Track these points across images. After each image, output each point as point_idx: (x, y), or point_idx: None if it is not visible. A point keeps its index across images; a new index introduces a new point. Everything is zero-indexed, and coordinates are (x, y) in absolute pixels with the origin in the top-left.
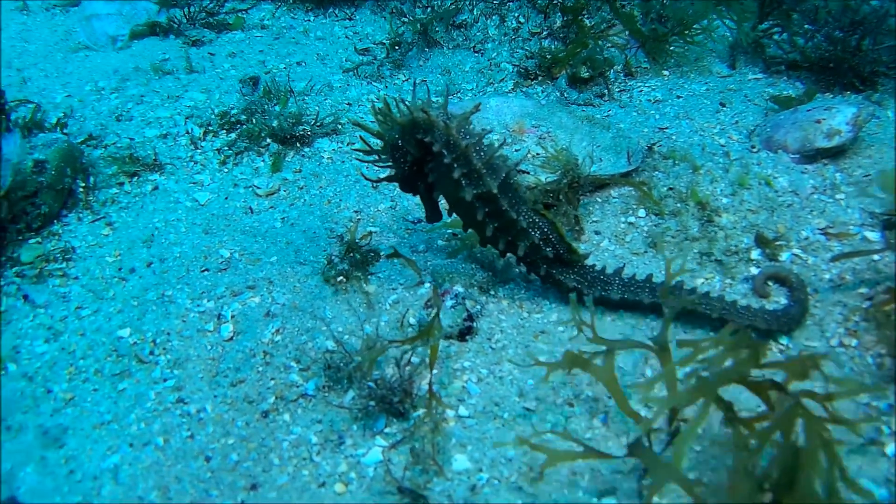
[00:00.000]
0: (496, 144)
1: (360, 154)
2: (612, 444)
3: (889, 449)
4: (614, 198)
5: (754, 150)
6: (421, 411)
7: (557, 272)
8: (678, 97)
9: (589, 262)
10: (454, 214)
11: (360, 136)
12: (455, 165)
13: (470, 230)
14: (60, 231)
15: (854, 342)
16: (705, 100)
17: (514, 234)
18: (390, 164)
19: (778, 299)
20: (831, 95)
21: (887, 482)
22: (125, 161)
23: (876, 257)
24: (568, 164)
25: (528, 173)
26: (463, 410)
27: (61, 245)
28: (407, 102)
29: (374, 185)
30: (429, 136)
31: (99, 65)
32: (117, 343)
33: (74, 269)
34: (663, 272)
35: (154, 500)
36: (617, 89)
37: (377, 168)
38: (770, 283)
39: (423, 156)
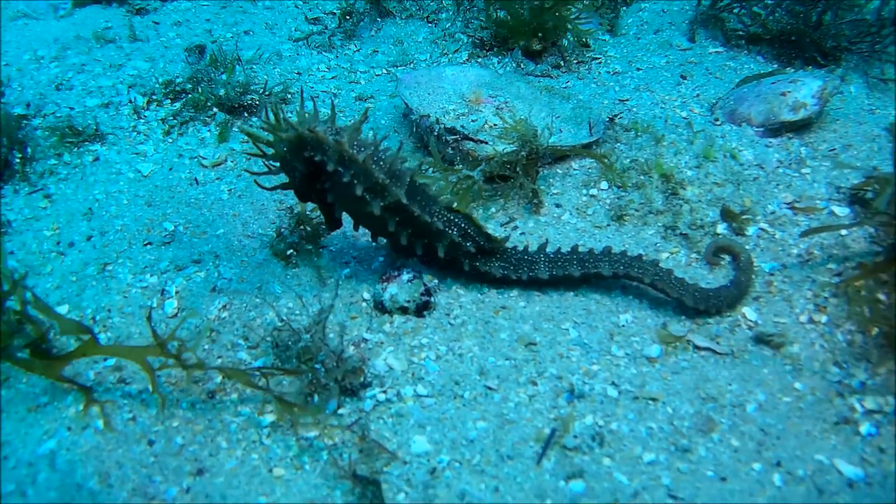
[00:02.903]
0: (390, 153)
1: (254, 160)
2: (577, 424)
3: (863, 428)
4: (575, 170)
5: (718, 122)
6: (376, 390)
7: (481, 264)
8: (638, 69)
9: (550, 235)
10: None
11: (253, 141)
12: (356, 182)
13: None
14: None
15: (824, 318)
16: (665, 72)
17: (431, 235)
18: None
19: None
20: (793, 70)
21: (862, 462)
22: (65, 132)
23: (844, 232)
24: (526, 134)
25: (486, 143)
26: (421, 389)
27: None
28: (289, 119)
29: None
30: (319, 154)
31: (39, 33)
32: (56, 322)
33: (10, 244)
34: (625, 245)
35: (93, 487)
36: (575, 61)
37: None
38: (719, 255)
39: (313, 171)
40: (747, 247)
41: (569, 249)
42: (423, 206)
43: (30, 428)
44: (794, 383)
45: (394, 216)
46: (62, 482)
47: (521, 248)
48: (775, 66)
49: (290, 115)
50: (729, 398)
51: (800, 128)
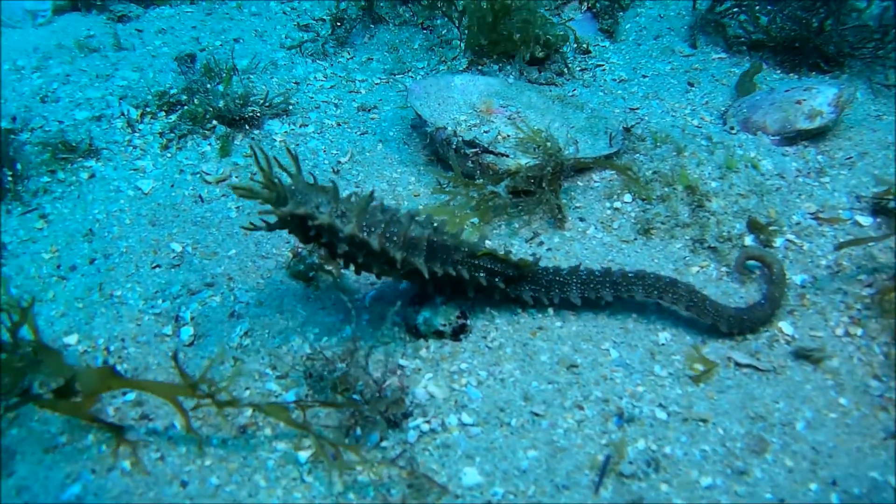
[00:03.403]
0: (400, 215)
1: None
2: (630, 449)
3: None
4: (596, 182)
5: (733, 131)
6: (419, 420)
7: (511, 290)
8: (644, 76)
9: (576, 251)
10: None
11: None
12: (371, 259)
13: None
14: None
15: (860, 331)
16: (672, 79)
17: (459, 283)
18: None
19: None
20: (797, 76)
21: None
22: (57, 148)
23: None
24: (551, 148)
25: (507, 156)
26: (466, 417)
27: None
28: (285, 186)
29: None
30: (327, 236)
31: (17, 42)
32: (64, 352)
33: (6, 268)
34: (654, 260)
35: None
36: (578, 68)
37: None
38: (751, 264)
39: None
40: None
41: (601, 270)
42: (444, 261)
43: (49, 471)
44: (838, 399)
45: (416, 276)
46: None
47: (552, 268)
48: (778, 72)
49: (286, 128)
50: (777, 416)
51: (815, 136)
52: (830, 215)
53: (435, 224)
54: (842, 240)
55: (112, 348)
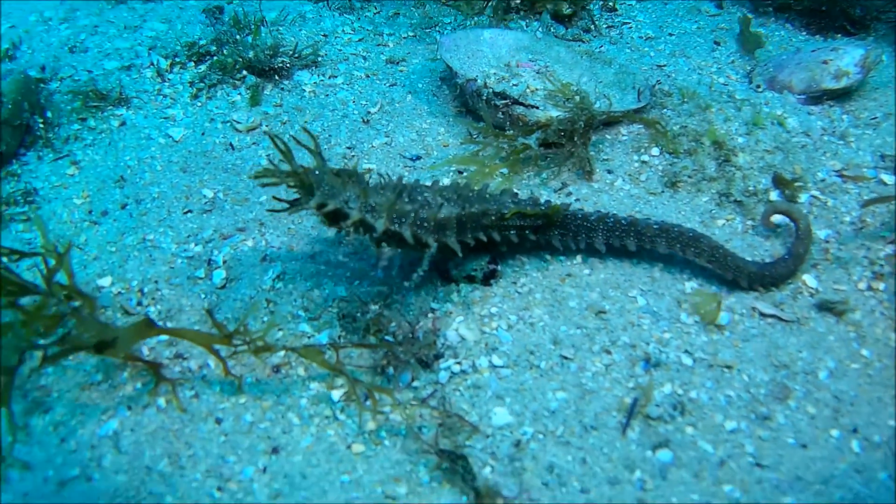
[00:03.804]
0: (427, 195)
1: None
2: (656, 393)
3: None
4: (624, 136)
5: (759, 89)
6: (450, 361)
7: (540, 237)
8: (670, 35)
9: (604, 202)
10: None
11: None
12: (405, 244)
13: None
14: (19, 171)
15: (882, 286)
16: (698, 38)
17: (492, 245)
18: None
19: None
20: (822, 39)
21: None
22: (88, 96)
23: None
24: (583, 102)
25: (537, 108)
26: (496, 360)
27: (21, 186)
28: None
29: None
30: (361, 228)
31: None
32: (98, 294)
33: (39, 213)
34: (681, 213)
35: (164, 470)
36: (604, 25)
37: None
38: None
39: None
40: None
41: (627, 220)
42: (474, 228)
43: (85, 407)
44: (860, 350)
45: (450, 249)
46: (130, 465)
47: (580, 214)
48: (804, 34)
49: (312, 79)
50: (801, 365)
51: (840, 95)
52: (855, 173)
53: (460, 189)
54: (866, 197)
55: (146, 290)
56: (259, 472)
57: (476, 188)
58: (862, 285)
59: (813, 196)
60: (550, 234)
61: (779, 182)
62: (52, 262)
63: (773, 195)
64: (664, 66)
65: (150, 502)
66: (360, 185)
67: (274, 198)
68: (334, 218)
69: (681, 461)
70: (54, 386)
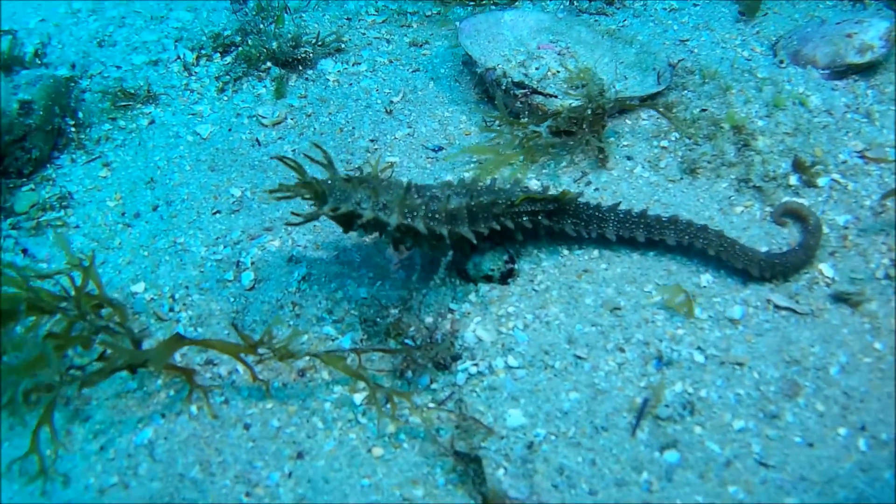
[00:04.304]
0: (435, 189)
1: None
2: (667, 392)
3: None
4: (644, 120)
5: (783, 65)
6: (467, 363)
7: (554, 224)
8: (695, 5)
9: (623, 190)
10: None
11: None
12: (419, 239)
13: None
14: (54, 175)
15: None
16: (723, 8)
17: (506, 234)
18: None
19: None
20: (851, 4)
21: None
22: (116, 95)
23: None
24: (592, 91)
25: (555, 97)
26: (512, 360)
27: (56, 191)
28: (325, 184)
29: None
30: (373, 229)
31: None
32: (132, 300)
33: (73, 217)
34: (700, 200)
35: (196, 476)
36: None
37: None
38: (788, 217)
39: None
40: (820, 199)
41: (638, 212)
42: (486, 218)
43: (122, 416)
44: (873, 343)
45: (464, 241)
46: (164, 473)
47: (592, 204)
48: (833, 1)
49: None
50: (812, 361)
51: (865, 70)
52: (877, 154)
53: (468, 184)
54: (887, 179)
55: (177, 296)
56: (284, 476)
57: (484, 182)
58: (879, 273)
59: (833, 180)
60: (564, 222)
61: (798, 166)
62: (79, 277)
63: (793, 180)
64: (687, 40)
65: None
66: (370, 186)
67: (292, 213)
68: (349, 221)
69: (687, 462)
70: (93, 394)
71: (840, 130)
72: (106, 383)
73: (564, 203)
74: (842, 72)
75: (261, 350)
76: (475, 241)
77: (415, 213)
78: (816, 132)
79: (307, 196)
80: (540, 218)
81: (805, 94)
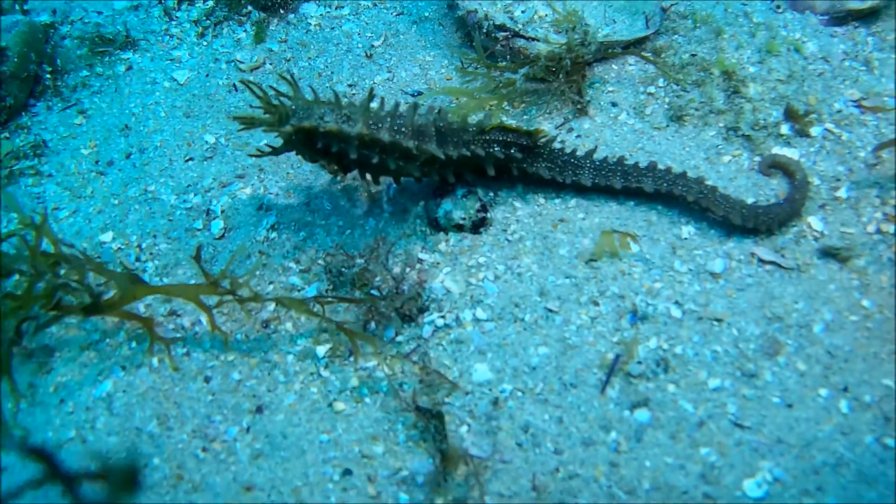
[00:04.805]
0: (402, 109)
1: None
2: (640, 348)
3: None
4: (631, 65)
5: (780, 10)
6: (434, 315)
7: (528, 166)
8: None
9: (607, 137)
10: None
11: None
12: (385, 156)
13: None
14: (29, 123)
15: (892, 228)
16: None
17: (476, 161)
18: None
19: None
20: None
21: None
22: (94, 41)
23: None
24: (573, 39)
25: (537, 40)
26: (481, 313)
27: (31, 139)
28: (287, 105)
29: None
30: (336, 145)
31: None
32: (100, 249)
33: (47, 166)
34: (685, 149)
35: (153, 431)
36: None
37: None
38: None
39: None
40: (812, 149)
41: (615, 159)
42: (457, 143)
43: (84, 368)
44: (861, 300)
45: (434, 165)
46: (121, 427)
47: (569, 150)
48: None
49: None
50: (795, 318)
51: (867, 16)
52: (875, 103)
53: (438, 111)
54: (884, 130)
55: (144, 245)
56: (243, 431)
57: (456, 117)
58: (871, 228)
59: (827, 129)
60: (538, 164)
61: (790, 115)
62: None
63: (785, 129)
64: None
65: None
66: (336, 102)
67: (257, 150)
68: (313, 141)
69: (658, 422)
70: (57, 345)
71: (836, 78)
72: (70, 335)
73: (537, 140)
74: (841, 18)
75: (224, 297)
76: (442, 157)
77: (379, 125)
78: (811, 80)
79: (270, 122)
80: (513, 151)
81: (801, 39)
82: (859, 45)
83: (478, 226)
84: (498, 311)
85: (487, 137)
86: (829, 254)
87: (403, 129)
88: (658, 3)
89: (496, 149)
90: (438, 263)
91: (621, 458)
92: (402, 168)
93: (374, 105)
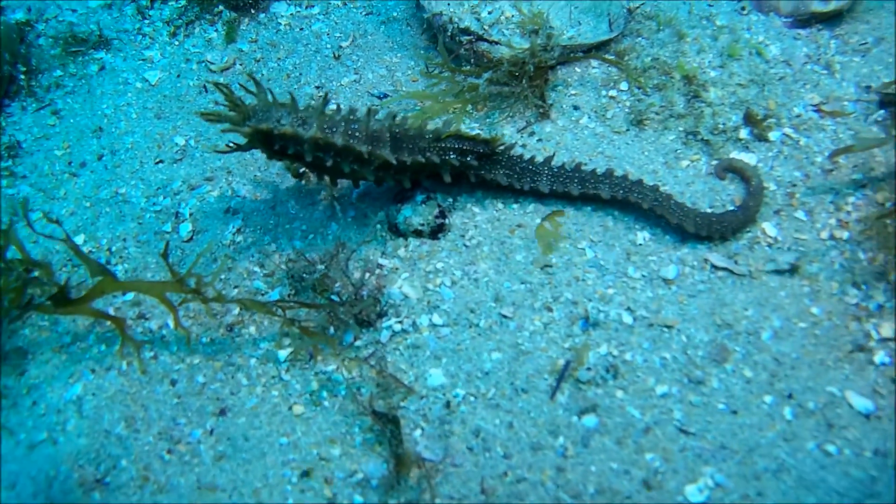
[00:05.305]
0: (359, 114)
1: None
2: (591, 354)
3: (878, 357)
4: (594, 68)
5: (744, 11)
6: (392, 320)
7: (486, 172)
8: None
9: (567, 141)
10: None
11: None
12: (339, 160)
13: None
14: (4, 124)
15: (846, 234)
16: None
17: (432, 168)
18: None
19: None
20: None
21: (874, 394)
22: (68, 41)
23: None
24: (535, 44)
25: (499, 43)
26: (437, 318)
27: (6, 140)
28: (247, 105)
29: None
30: (292, 146)
31: None
32: (72, 253)
33: (21, 167)
34: (644, 153)
35: (121, 433)
36: None
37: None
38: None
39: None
40: (770, 153)
41: (572, 165)
42: (412, 150)
43: (55, 370)
44: (810, 307)
45: (388, 171)
46: (91, 429)
47: (527, 157)
48: None
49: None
50: (745, 325)
51: (831, 18)
52: (834, 108)
53: (396, 118)
54: (842, 135)
55: (114, 248)
56: (206, 433)
57: (416, 123)
58: (825, 234)
59: (785, 134)
60: (496, 171)
61: (750, 119)
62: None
63: (744, 133)
64: None
65: (106, 465)
66: (292, 105)
67: (226, 145)
68: (271, 141)
69: (606, 427)
70: (30, 347)
71: (797, 82)
72: (43, 337)
73: (495, 148)
74: (805, 20)
75: (188, 296)
76: (395, 163)
77: (334, 129)
78: (772, 84)
79: (234, 119)
80: (469, 159)
81: (764, 42)
82: (822, 48)
83: (436, 231)
84: (454, 317)
85: (443, 145)
86: (781, 272)
87: (357, 134)
88: (624, 3)
89: (452, 156)
90: (397, 269)
91: (568, 463)
92: (357, 172)
93: (332, 108)
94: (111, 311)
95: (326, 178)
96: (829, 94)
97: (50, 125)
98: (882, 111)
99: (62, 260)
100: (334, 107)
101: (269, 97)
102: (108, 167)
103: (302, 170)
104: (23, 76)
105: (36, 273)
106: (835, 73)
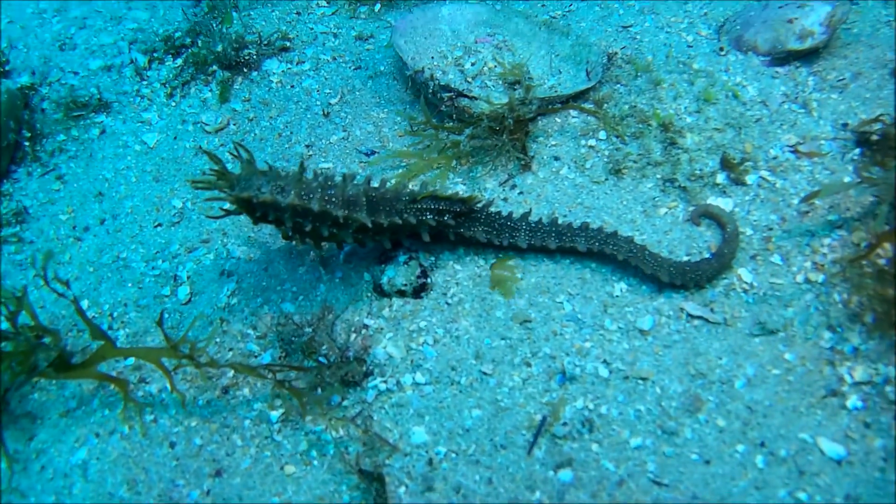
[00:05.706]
0: (335, 180)
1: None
2: (568, 408)
3: (850, 402)
4: (574, 118)
5: (723, 52)
6: (377, 380)
7: (465, 230)
8: None
9: (548, 192)
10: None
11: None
12: (318, 224)
13: None
14: (11, 190)
15: (821, 277)
16: None
17: (411, 229)
18: None
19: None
20: None
21: (846, 439)
22: (69, 106)
23: (847, 180)
24: (513, 98)
25: (476, 98)
26: (420, 377)
27: (13, 206)
28: (232, 174)
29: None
30: (272, 213)
31: None
32: (77, 317)
33: (28, 232)
34: (623, 202)
35: (123, 496)
36: None
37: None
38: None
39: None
40: (747, 197)
41: (549, 220)
42: (388, 212)
43: (62, 434)
44: (784, 353)
45: (367, 233)
46: (95, 492)
47: (504, 214)
48: None
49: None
50: (718, 374)
51: (808, 55)
52: (810, 148)
53: (368, 181)
54: (818, 176)
55: (115, 314)
56: (203, 494)
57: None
58: (800, 278)
59: (762, 177)
60: (475, 228)
61: (726, 164)
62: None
63: (721, 178)
64: (630, 26)
65: None
66: (272, 174)
67: (220, 209)
68: (253, 208)
69: (581, 481)
70: (39, 412)
71: (774, 123)
72: (51, 401)
73: (472, 206)
74: (783, 58)
75: (183, 360)
76: (370, 225)
77: (311, 196)
78: (748, 126)
79: (223, 187)
80: (446, 218)
81: (741, 83)
82: (800, 86)
83: (419, 290)
84: (436, 375)
85: (419, 206)
86: (759, 323)
87: (334, 199)
88: (604, 50)
89: (428, 216)
90: (382, 329)
91: None
92: (337, 235)
93: (310, 175)
94: (113, 375)
95: (310, 240)
96: (806, 134)
97: (54, 190)
98: (858, 150)
99: (68, 325)
100: (311, 175)
101: (262, 165)
102: (110, 231)
103: (291, 233)
104: (27, 142)
105: (46, 339)
106: (812, 112)
